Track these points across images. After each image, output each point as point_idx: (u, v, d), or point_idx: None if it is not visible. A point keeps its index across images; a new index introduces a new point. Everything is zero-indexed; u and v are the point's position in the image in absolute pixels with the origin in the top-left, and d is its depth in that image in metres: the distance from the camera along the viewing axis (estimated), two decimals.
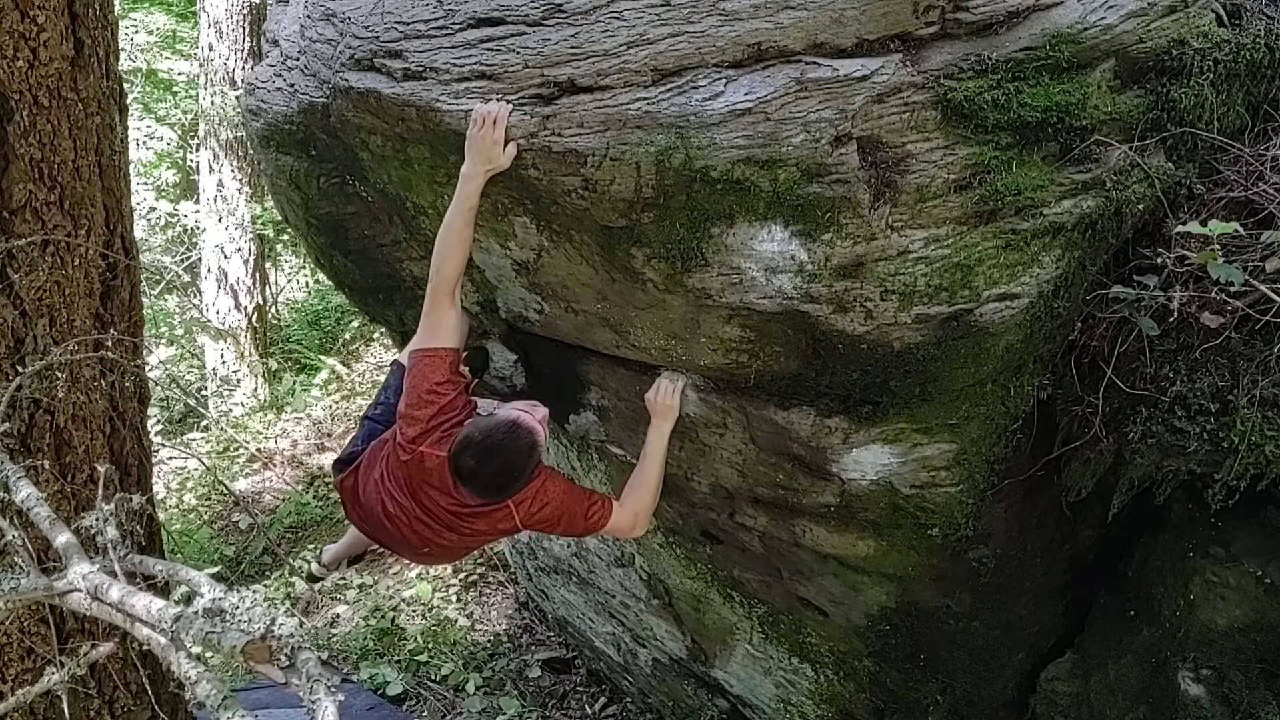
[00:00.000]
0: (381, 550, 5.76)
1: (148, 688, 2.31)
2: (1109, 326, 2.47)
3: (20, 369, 2.17)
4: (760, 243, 2.25)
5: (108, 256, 2.43)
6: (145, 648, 1.36)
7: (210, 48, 7.95)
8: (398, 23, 2.43)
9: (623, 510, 2.71)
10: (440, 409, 2.49)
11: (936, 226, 2.24)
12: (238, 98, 6.71)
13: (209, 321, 8.34)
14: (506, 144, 2.25)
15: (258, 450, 7.05)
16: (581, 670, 4.83)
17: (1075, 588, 3.10)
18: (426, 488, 2.52)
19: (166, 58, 9.70)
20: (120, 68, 2.57)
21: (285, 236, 8.69)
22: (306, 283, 9.99)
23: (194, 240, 9.29)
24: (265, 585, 5.55)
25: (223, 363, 8.25)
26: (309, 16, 2.81)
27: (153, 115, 9.75)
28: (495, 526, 2.63)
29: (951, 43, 2.19)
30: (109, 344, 2.38)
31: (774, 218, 2.17)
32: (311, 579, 4.28)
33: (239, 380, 8.17)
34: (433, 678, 4.63)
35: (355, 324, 8.15)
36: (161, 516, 4.24)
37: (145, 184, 9.66)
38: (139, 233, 5.00)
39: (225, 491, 6.51)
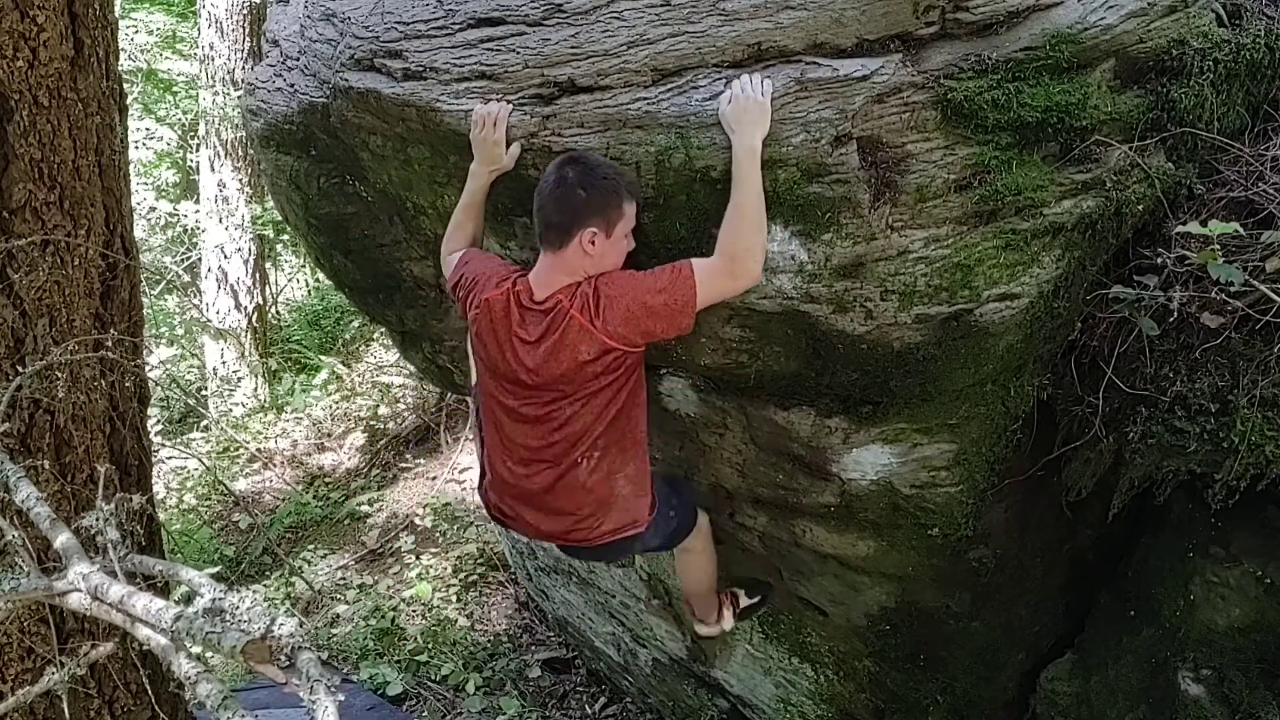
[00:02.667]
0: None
1: (148, 688, 2.32)
2: (1109, 326, 2.47)
3: (20, 369, 2.17)
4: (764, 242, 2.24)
5: (108, 256, 2.44)
6: (145, 648, 1.36)
7: (210, 47, 7.95)
8: (398, 23, 2.43)
9: (710, 259, 2.16)
10: (462, 278, 2.43)
11: (936, 226, 2.24)
12: (238, 98, 6.72)
13: (209, 321, 8.34)
14: (509, 144, 2.26)
15: (258, 450, 7.06)
16: (581, 670, 4.83)
17: (1075, 588, 3.10)
18: (497, 355, 2.34)
19: (166, 58, 9.71)
20: (120, 68, 2.57)
21: (285, 236, 8.69)
22: (306, 283, 9.99)
23: (194, 240, 9.29)
24: (265, 585, 5.55)
25: (223, 363, 8.26)
26: (309, 16, 2.81)
27: (153, 115, 9.75)
28: (574, 349, 2.23)
29: (951, 43, 2.19)
30: (109, 344, 2.38)
31: (774, 218, 2.17)
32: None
33: (239, 380, 8.17)
34: (433, 678, 4.63)
35: (355, 324, 8.16)
36: (161, 516, 4.24)
37: (145, 184, 9.67)
38: (139, 233, 5.01)
39: (225, 491, 6.51)
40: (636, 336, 2.21)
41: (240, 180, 8.16)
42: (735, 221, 2.11)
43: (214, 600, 1.26)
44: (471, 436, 5.63)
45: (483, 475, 2.65)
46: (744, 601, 3.01)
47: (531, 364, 2.29)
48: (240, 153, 8.07)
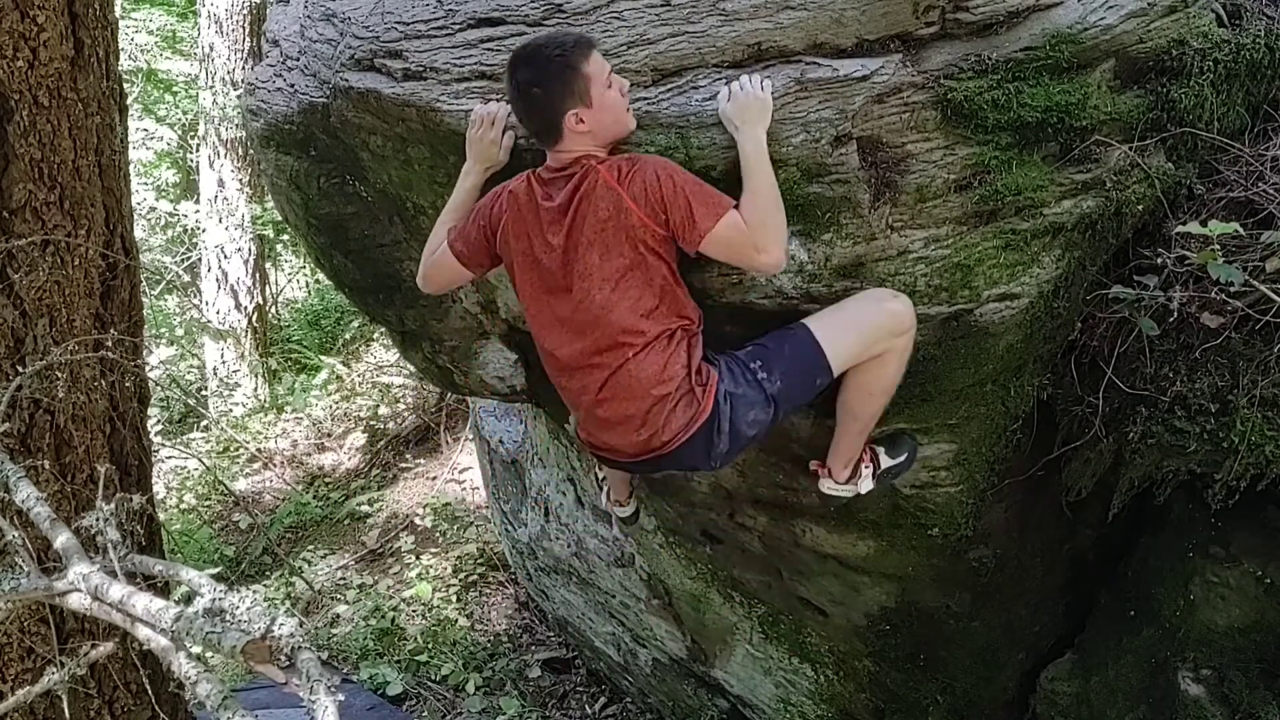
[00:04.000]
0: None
1: (148, 688, 2.31)
2: (1109, 326, 2.47)
3: (20, 369, 2.17)
4: None
5: (108, 256, 2.44)
6: (145, 648, 1.36)
7: (210, 47, 7.95)
8: (398, 23, 2.43)
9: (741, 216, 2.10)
10: (467, 227, 2.33)
11: (936, 226, 2.25)
12: (238, 98, 6.72)
13: (209, 321, 8.34)
14: (508, 142, 2.27)
15: (258, 450, 7.06)
16: (581, 670, 4.83)
17: (1075, 588, 3.10)
18: (530, 246, 2.22)
19: (166, 58, 9.71)
20: (120, 68, 2.57)
21: (285, 236, 8.69)
22: (306, 283, 9.99)
23: (194, 240, 9.29)
24: (265, 585, 5.55)
25: (223, 363, 8.26)
26: (309, 16, 2.81)
27: (153, 115, 9.75)
28: (595, 207, 2.11)
29: (951, 43, 2.19)
30: (109, 344, 2.38)
31: None
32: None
33: (239, 380, 8.17)
34: (433, 678, 4.63)
35: (355, 324, 8.16)
36: (161, 516, 4.24)
37: (145, 184, 9.67)
38: (139, 233, 5.01)
39: (225, 491, 6.52)
40: (654, 209, 2.08)
41: (240, 180, 8.16)
42: (752, 202, 2.09)
43: (214, 600, 1.26)
44: (471, 436, 5.63)
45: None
46: (885, 461, 2.56)
47: (557, 241, 2.16)
48: (240, 153, 8.07)
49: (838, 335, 2.25)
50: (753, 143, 2.08)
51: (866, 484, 2.55)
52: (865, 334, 2.27)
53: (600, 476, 3.40)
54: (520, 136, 2.27)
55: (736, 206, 2.08)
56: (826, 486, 2.59)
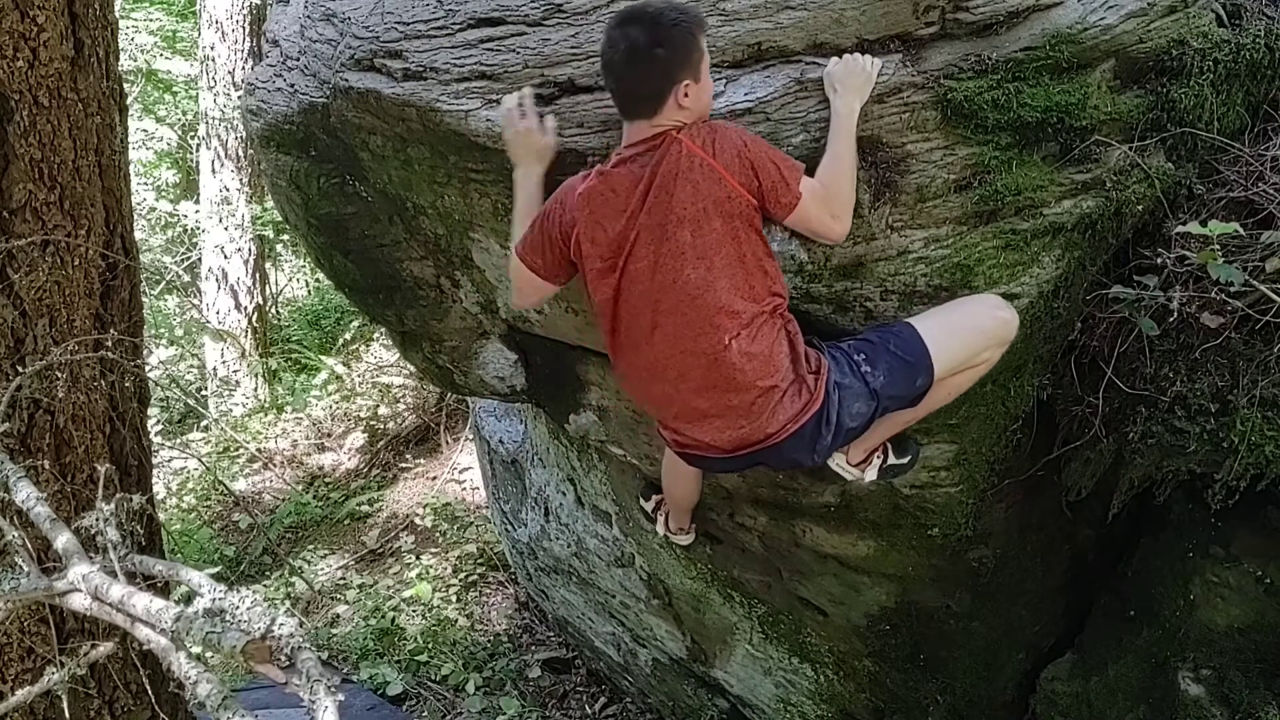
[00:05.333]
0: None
1: (148, 688, 2.31)
2: (1109, 326, 2.47)
3: (20, 369, 2.17)
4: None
5: (108, 256, 2.44)
6: (145, 648, 1.36)
7: (211, 48, 7.96)
8: (398, 23, 2.43)
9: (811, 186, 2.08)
10: (540, 227, 2.21)
11: (936, 226, 2.25)
12: (238, 98, 6.72)
13: (209, 322, 8.34)
14: (551, 123, 2.19)
15: (258, 450, 7.06)
16: (581, 670, 4.83)
17: (1075, 588, 3.10)
18: (614, 234, 2.08)
19: (166, 58, 9.71)
20: (120, 68, 2.57)
21: (285, 236, 8.70)
22: (306, 283, 10.00)
23: (194, 240, 9.29)
24: (265, 585, 5.55)
25: (223, 363, 8.26)
26: (309, 16, 2.81)
27: (153, 115, 9.76)
28: (684, 178, 2.01)
29: (951, 43, 2.19)
30: (109, 344, 2.38)
31: None
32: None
33: (239, 380, 8.17)
34: (433, 678, 4.63)
35: (355, 324, 8.16)
36: (161, 516, 4.24)
37: (145, 184, 9.68)
38: (139, 233, 5.01)
39: (225, 491, 6.52)
40: (746, 175, 2.01)
41: (240, 180, 8.16)
42: (835, 165, 2.07)
43: (214, 600, 1.26)
44: (471, 436, 5.63)
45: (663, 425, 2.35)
46: (891, 459, 2.54)
47: (641, 222, 2.05)
48: (240, 153, 8.08)
49: (947, 338, 2.19)
50: (847, 109, 2.07)
51: (872, 474, 2.53)
52: (974, 340, 2.23)
53: (652, 505, 3.20)
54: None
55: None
56: (837, 463, 2.52)
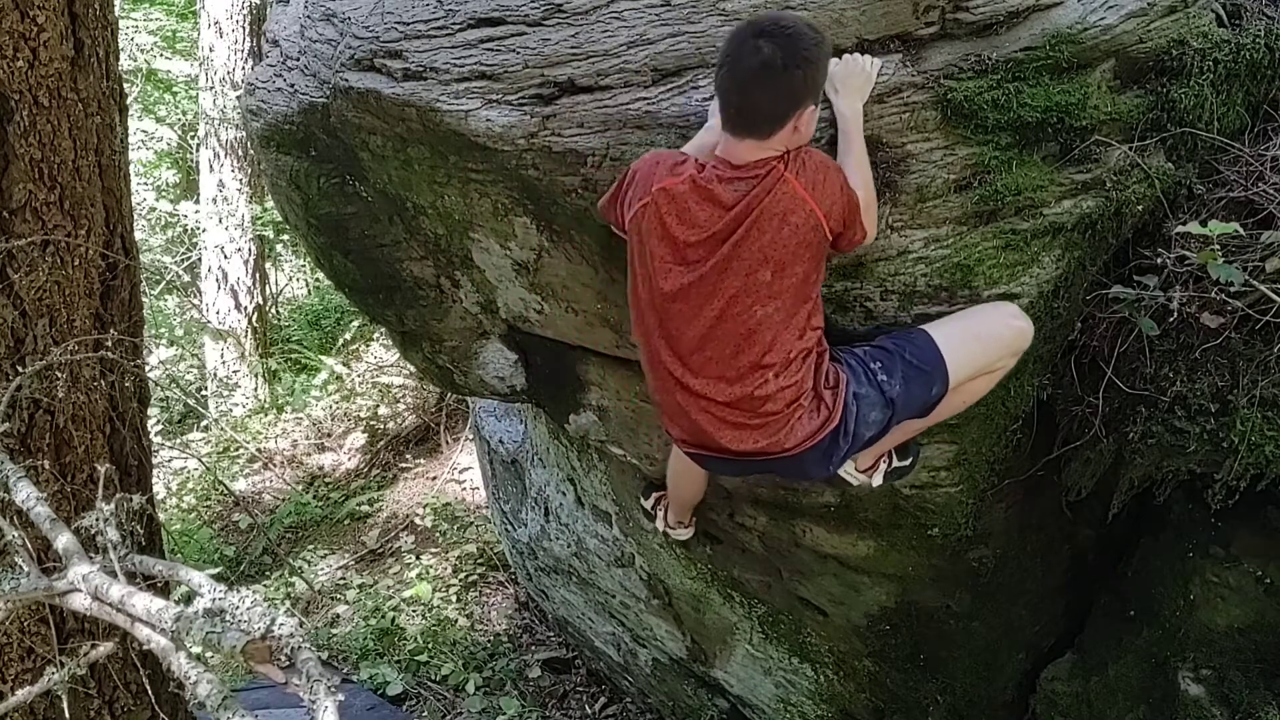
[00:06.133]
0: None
1: (148, 688, 2.31)
2: (1109, 326, 2.47)
3: (20, 369, 2.17)
4: None
5: (108, 256, 2.44)
6: (145, 648, 1.36)
7: (210, 48, 7.96)
8: (398, 23, 2.43)
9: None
10: (623, 182, 2.12)
11: (936, 226, 2.25)
12: (238, 98, 6.72)
13: (209, 322, 8.34)
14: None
15: (258, 450, 7.06)
16: (581, 670, 4.83)
17: (1075, 588, 3.10)
18: (678, 240, 2.02)
19: (166, 58, 9.72)
20: (120, 68, 2.57)
21: (285, 236, 8.70)
22: (306, 283, 10.00)
23: (194, 240, 9.30)
24: (265, 585, 5.55)
25: (223, 363, 8.27)
26: (309, 16, 2.81)
27: (153, 115, 9.76)
28: (782, 218, 1.97)
29: (951, 43, 2.19)
30: (109, 344, 2.38)
31: None
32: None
33: (239, 380, 8.17)
34: (433, 678, 4.63)
35: (355, 324, 8.16)
36: (161, 516, 4.24)
37: (145, 184, 9.68)
38: (139, 233, 5.01)
39: (225, 491, 6.52)
40: (838, 217, 2.00)
41: (240, 180, 8.16)
42: (856, 176, 2.05)
43: (214, 600, 1.26)
44: (471, 436, 5.63)
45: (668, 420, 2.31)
46: (895, 462, 2.56)
47: (722, 249, 1.99)
48: (240, 153, 8.08)
49: (962, 346, 2.19)
50: (852, 111, 2.05)
51: (879, 479, 2.55)
52: (990, 348, 2.23)
53: (652, 501, 3.18)
54: (521, 137, 2.26)
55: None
56: (846, 470, 2.52)
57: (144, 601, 1.35)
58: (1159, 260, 2.34)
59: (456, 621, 5.04)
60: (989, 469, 2.72)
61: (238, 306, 8.23)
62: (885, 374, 2.14)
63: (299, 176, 2.96)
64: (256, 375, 8.14)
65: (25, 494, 1.69)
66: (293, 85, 2.80)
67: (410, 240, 2.88)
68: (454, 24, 2.36)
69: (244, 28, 7.86)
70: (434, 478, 6.41)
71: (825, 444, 2.13)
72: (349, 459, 6.90)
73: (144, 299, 2.80)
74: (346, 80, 2.47)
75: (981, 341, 2.22)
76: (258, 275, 8.35)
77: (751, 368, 2.06)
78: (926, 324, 2.24)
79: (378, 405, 7.24)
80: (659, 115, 2.16)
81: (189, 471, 6.90)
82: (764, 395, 2.07)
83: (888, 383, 2.14)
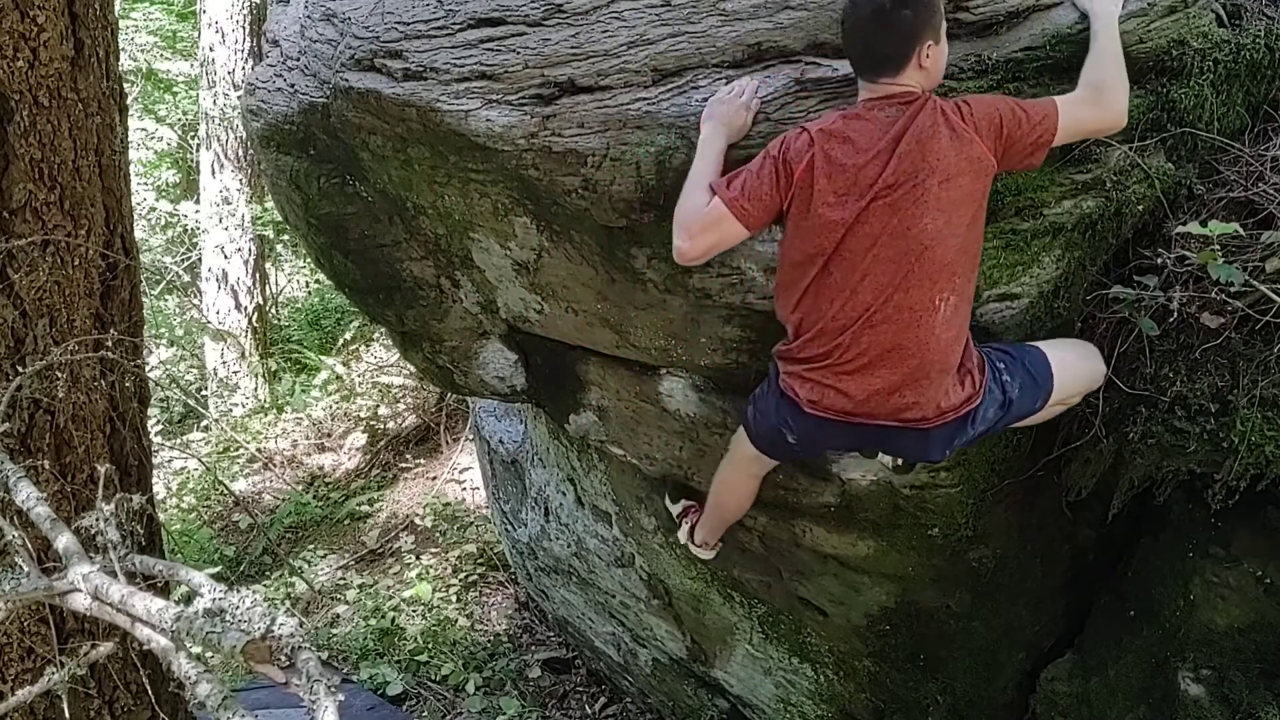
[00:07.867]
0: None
1: (148, 688, 2.31)
2: (1109, 326, 2.47)
3: (20, 369, 2.17)
4: (760, 243, 2.25)
5: (108, 256, 2.43)
6: (145, 648, 1.36)
7: (210, 48, 7.95)
8: (398, 23, 2.43)
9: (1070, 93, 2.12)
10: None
11: None
12: (238, 98, 6.72)
13: (209, 322, 8.34)
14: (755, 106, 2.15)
15: (258, 450, 7.06)
16: (581, 670, 4.83)
17: (1075, 588, 3.10)
18: (847, 168, 2.02)
19: (166, 58, 9.72)
20: (120, 68, 2.57)
21: (285, 236, 8.70)
22: (306, 283, 9.99)
23: (194, 240, 9.29)
24: (265, 585, 5.55)
25: (223, 363, 8.26)
26: (309, 16, 2.81)
27: (153, 115, 9.76)
28: (934, 135, 2.00)
29: (952, 43, 2.18)
30: (109, 344, 2.38)
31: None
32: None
33: (239, 381, 8.17)
34: (433, 678, 4.63)
35: (355, 324, 8.16)
36: (161, 516, 4.24)
37: (145, 184, 9.67)
38: (139, 233, 5.01)
39: (225, 491, 6.52)
40: (996, 139, 2.03)
41: (240, 181, 8.16)
42: (1098, 58, 2.11)
43: (214, 600, 1.26)
44: (471, 436, 5.63)
45: (775, 375, 2.26)
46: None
47: (896, 165, 2.01)
48: (240, 153, 8.08)
49: (1066, 369, 2.27)
50: (1106, 12, 2.15)
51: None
52: (1081, 379, 2.35)
53: (679, 510, 3.07)
54: (521, 138, 2.26)
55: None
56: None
57: (144, 601, 1.35)
58: (1159, 260, 2.34)
59: (456, 621, 5.03)
60: (989, 469, 2.72)
61: (238, 307, 8.22)
62: (1009, 375, 2.17)
63: (299, 176, 2.96)
64: (256, 375, 8.14)
65: (25, 494, 1.69)
66: (293, 85, 2.81)
67: (410, 240, 2.89)
68: (454, 24, 2.37)
69: (244, 28, 7.85)
70: (434, 478, 6.40)
71: (959, 423, 2.12)
72: (349, 459, 6.90)
73: (144, 299, 2.80)
74: (346, 80, 2.47)
75: (1079, 371, 2.32)
76: (258, 275, 8.34)
77: (922, 283, 2.03)
78: (1038, 341, 2.28)
79: (378, 405, 7.24)
80: (659, 115, 2.16)
81: (189, 471, 6.90)
82: (930, 325, 2.04)
83: (1010, 384, 2.16)
